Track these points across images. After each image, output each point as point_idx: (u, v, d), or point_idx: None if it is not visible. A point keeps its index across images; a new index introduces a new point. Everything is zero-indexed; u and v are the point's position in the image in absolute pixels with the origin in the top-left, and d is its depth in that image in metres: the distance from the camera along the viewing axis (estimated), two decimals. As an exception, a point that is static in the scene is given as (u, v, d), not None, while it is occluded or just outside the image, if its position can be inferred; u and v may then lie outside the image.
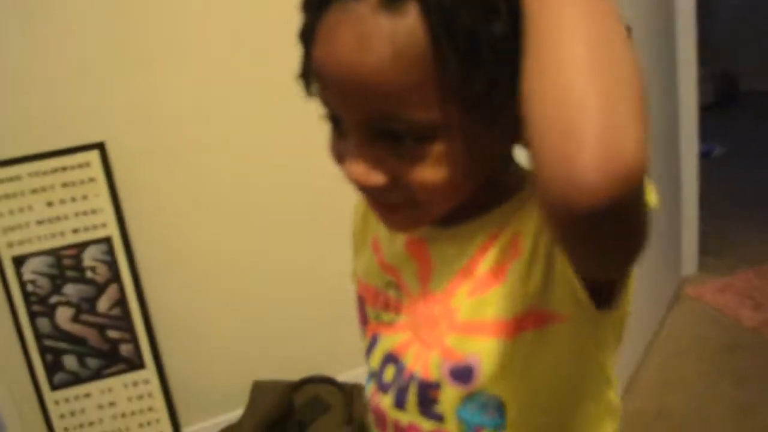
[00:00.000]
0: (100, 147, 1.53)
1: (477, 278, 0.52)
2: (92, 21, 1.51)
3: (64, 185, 1.52)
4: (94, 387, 1.61)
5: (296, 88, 0.53)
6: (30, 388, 1.59)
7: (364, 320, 0.64)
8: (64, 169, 1.52)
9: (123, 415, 1.64)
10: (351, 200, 0.65)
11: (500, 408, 0.52)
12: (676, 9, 2.06)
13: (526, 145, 0.38)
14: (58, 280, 1.55)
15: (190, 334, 1.74)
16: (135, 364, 1.63)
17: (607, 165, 0.33)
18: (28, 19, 1.47)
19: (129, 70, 1.56)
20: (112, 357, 1.61)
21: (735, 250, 2.45)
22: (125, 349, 1.61)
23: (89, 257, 1.56)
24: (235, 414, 1.74)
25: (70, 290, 1.56)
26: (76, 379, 1.60)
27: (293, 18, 0.52)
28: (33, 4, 1.47)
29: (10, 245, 1.52)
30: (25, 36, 1.47)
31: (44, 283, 1.55)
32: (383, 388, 0.58)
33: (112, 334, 1.60)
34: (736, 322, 2.01)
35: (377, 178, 0.48)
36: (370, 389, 0.61)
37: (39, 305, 1.55)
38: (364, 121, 0.47)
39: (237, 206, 1.72)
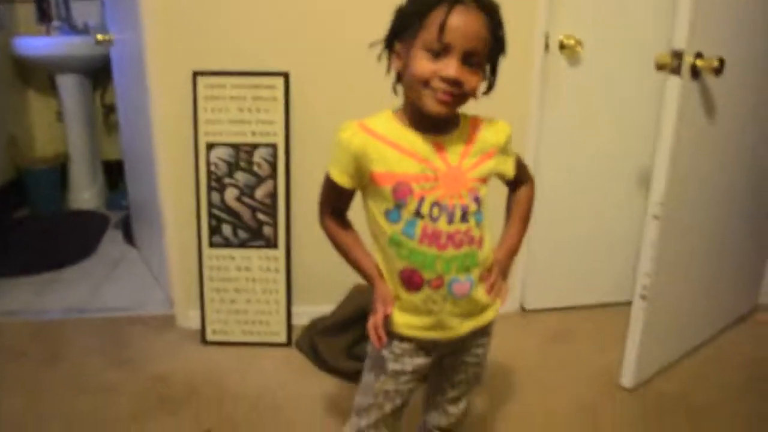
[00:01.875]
0: (285, 76, 2.01)
1: (473, 157, 1.12)
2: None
3: (254, 98, 2.01)
4: (238, 253, 2.10)
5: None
6: (194, 242, 2.11)
7: (407, 192, 1.07)
8: (256, 86, 2.00)
9: (254, 280, 2.12)
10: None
11: (481, 212, 1.13)
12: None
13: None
14: (232, 167, 2.05)
15: (318, 235, 2.13)
16: (271, 243, 2.10)
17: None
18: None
19: (315, 17, 2.01)
20: (257, 234, 2.09)
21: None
22: (267, 230, 2.09)
23: (258, 155, 2.04)
24: (330, 308, 2.16)
25: (239, 176, 2.06)
26: (227, 244, 2.10)
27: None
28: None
29: (206, 134, 2.03)
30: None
31: (223, 167, 2.05)
32: (434, 219, 1.09)
33: (261, 216, 2.08)
34: (790, 352, 2.17)
35: (464, 74, 1.03)
36: (419, 227, 1.09)
37: (216, 182, 2.06)
38: (464, 51, 1.02)
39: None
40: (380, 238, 1.14)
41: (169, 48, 2.00)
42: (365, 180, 1.10)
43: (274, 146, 2.04)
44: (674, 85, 1.65)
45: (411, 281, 1.12)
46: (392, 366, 1.20)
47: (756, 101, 2.00)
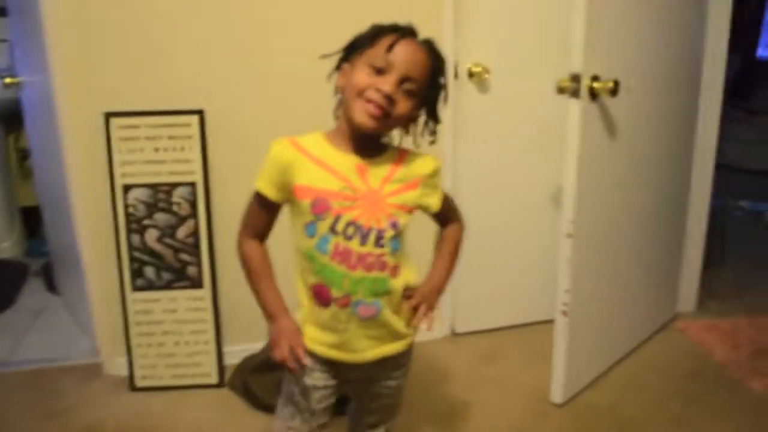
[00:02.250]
0: (200, 113, 2.00)
1: (395, 184, 1.16)
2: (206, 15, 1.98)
3: (170, 138, 1.99)
4: (163, 295, 2.06)
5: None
6: (117, 286, 2.07)
7: (325, 208, 1.12)
8: (171, 125, 1.98)
9: (181, 321, 2.08)
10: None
11: (399, 241, 1.17)
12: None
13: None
14: (152, 208, 2.01)
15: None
16: (196, 283, 2.07)
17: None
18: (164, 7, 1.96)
19: (230, 56, 2.02)
20: (181, 274, 2.06)
21: (741, 301, 2.69)
22: (191, 270, 2.06)
23: (177, 195, 2.02)
24: (262, 344, 2.13)
25: (160, 217, 2.03)
26: (151, 286, 2.06)
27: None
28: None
29: (123, 175, 2.00)
30: (156, 19, 1.96)
31: (141, 209, 2.02)
32: (348, 238, 1.12)
33: (184, 257, 2.05)
34: (707, 356, 2.27)
35: (394, 91, 1.09)
36: (331, 243, 1.13)
37: (135, 224, 2.02)
38: (403, 75, 1.09)
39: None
40: (299, 253, 1.18)
41: (79, 90, 1.97)
42: (288, 193, 1.15)
43: (193, 185, 2.02)
44: (575, 107, 1.73)
45: (320, 296, 1.17)
46: (305, 381, 1.24)
47: (654, 119, 2.11)
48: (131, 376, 2.11)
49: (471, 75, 2.16)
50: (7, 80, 2.52)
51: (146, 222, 2.02)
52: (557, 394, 1.98)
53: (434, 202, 1.23)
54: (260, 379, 1.99)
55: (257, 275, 1.22)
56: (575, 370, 1.99)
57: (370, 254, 1.13)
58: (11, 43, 3.05)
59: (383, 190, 1.14)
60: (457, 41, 2.12)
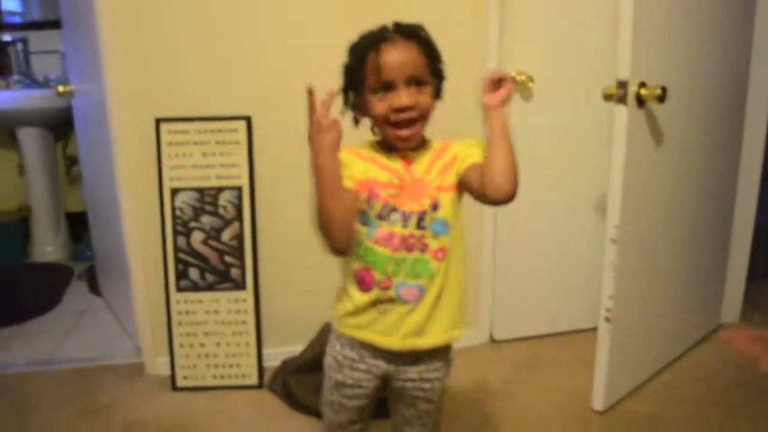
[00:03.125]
0: (248, 120, 2.04)
1: (437, 169, 1.19)
2: (261, 25, 2.03)
3: (217, 143, 2.04)
4: (206, 296, 2.10)
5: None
6: (161, 287, 2.11)
7: (374, 195, 1.17)
8: (219, 131, 2.03)
9: (223, 323, 2.12)
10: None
11: (446, 224, 1.19)
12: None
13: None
14: (198, 211, 2.06)
15: (286, 275, 2.19)
16: (239, 285, 2.10)
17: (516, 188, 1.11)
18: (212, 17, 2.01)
19: (277, 64, 2.06)
20: (224, 276, 2.10)
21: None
22: (234, 272, 2.10)
23: (223, 198, 2.06)
24: (301, 348, 2.14)
25: (205, 220, 2.07)
26: (195, 287, 2.10)
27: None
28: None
29: (171, 179, 2.05)
30: (206, 28, 2.02)
31: (188, 212, 2.06)
32: (391, 223, 1.17)
33: (228, 259, 2.09)
34: (752, 366, 2.23)
35: (413, 98, 1.13)
36: (377, 228, 1.17)
37: (181, 227, 2.07)
38: (406, 78, 1.12)
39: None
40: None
41: (131, 96, 2.02)
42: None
43: (239, 189, 2.06)
44: (621, 113, 1.73)
45: (363, 281, 1.20)
46: (335, 375, 1.27)
47: (701, 126, 2.09)
48: (173, 376, 2.14)
49: (515, 83, 2.17)
50: (61, 88, 2.61)
51: (192, 224, 2.07)
52: (598, 402, 1.96)
53: (474, 155, 1.17)
54: (300, 381, 2.01)
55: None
56: (617, 377, 1.97)
57: (411, 235, 1.17)
58: (63, 54, 3.17)
59: (427, 176, 1.18)
60: (501, 50, 2.14)
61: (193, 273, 2.09)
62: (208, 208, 2.06)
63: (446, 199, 1.19)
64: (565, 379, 2.17)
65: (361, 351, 1.24)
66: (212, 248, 2.08)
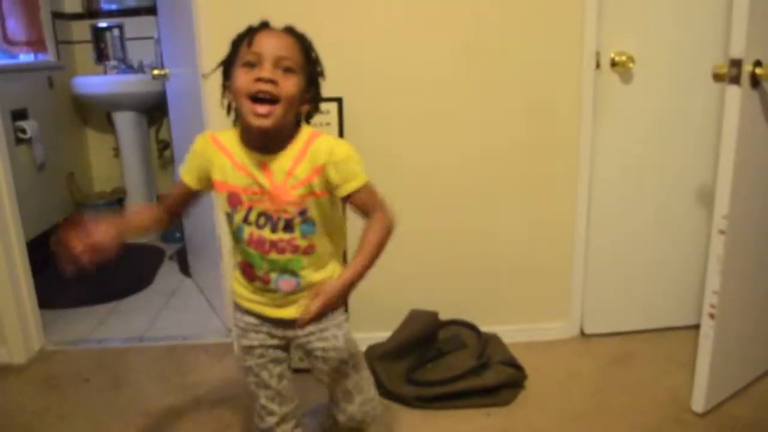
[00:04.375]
0: (339, 101, 2.03)
1: (301, 174, 1.19)
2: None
3: (312, 125, 2.03)
4: (295, 278, 2.12)
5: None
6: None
7: (238, 201, 1.22)
8: (311, 112, 2.04)
9: (311, 305, 2.13)
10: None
11: (314, 223, 1.24)
12: None
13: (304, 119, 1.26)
14: (288, 193, 2.08)
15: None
16: (328, 268, 2.11)
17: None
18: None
19: (369, 46, 2.05)
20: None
21: None
22: (323, 255, 2.10)
23: (313, 181, 2.07)
24: (387, 334, 2.14)
25: (295, 202, 2.08)
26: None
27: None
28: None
29: (262, 160, 2.07)
30: (298, 11, 2.02)
31: (278, 193, 2.08)
32: (260, 227, 1.22)
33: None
34: None
35: (275, 75, 1.14)
36: (246, 232, 1.23)
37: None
38: (275, 57, 1.15)
39: (434, 165, 2.16)
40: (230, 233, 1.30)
41: (225, 78, 2.05)
42: (209, 185, 1.27)
43: (328, 171, 2.05)
44: (734, 94, 1.61)
45: (246, 273, 1.30)
46: (243, 342, 1.37)
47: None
48: (260, 357, 2.17)
49: (614, 64, 2.08)
50: (155, 72, 2.68)
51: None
52: (699, 403, 1.86)
53: (343, 186, 1.21)
54: (386, 367, 2.00)
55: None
56: (719, 378, 1.86)
57: (281, 240, 1.23)
58: (158, 40, 3.26)
59: (287, 183, 1.19)
60: (600, 30, 2.05)
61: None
62: (298, 190, 2.06)
63: (313, 204, 1.22)
64: (660, 378, 2.07)
65: (257, 316, 1.34)
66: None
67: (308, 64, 1.22)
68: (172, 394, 2.04)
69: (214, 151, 1.24)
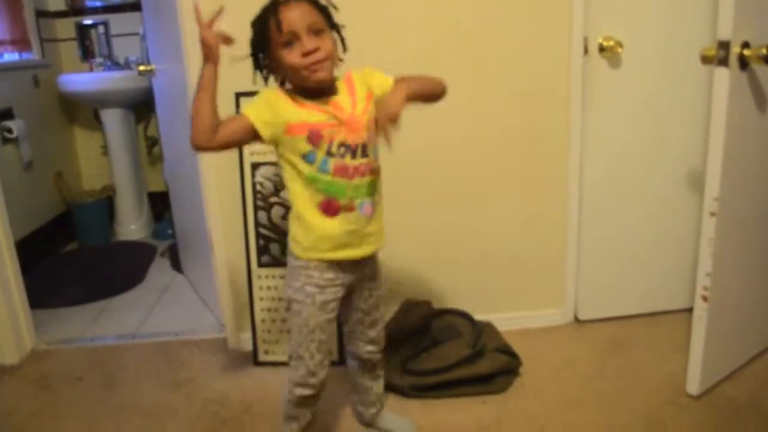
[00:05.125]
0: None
1: (360, 103, 1.39)
2: None
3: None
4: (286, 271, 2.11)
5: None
6: (243, 263, 2.12)
7: (319, 137, 1.34)
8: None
9: (304, 298, 2.12)
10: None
11: (376, 145, 1.41)
12: None
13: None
14: (278, 185, 2.06)
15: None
16: (320, 260, 2.10)
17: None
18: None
19: (359, 34, 2.03)
20: (305, 252, 2.10)
21: None
22: (315, 247, 2.10)
23: (303, 173, 2.06)
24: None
25: (285, 195, 2.05)
26: (276, 263, 2.10)
27: None
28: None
29: (251, 154, 2.05)
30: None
31: (268, 186, 2.06)
32: (342, 156, 1.36)
33: (308, 234, 2.09)
34: None
35: (316, 43, 1.31)
36: (330, 163, 1.35)
37: (262, 201, 2.07)
38: (306, 28, 1.30)
39: (425, 155, 2.14)
40: (297, 181, 1.39)
41: (211, 72, 2.03)
42: (280, 132, 1.35)
43: (318, 163, 2.04)
44: (722, 76, 1.61)
45: (329, 209, 1.38)
46: (319, 298, 1.44)
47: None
48: (254, 351, 2.16)
49: (602, 50, 2.07)
50: (141, 67, 2.66)
51: (273, 199, 2.07)
52: (693, 385, 1.87)
53: (386, 83, 1.42)
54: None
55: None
56: (714, 359, 1.86)
57: (361, 164, 1.38)
58: (143, 36, 3.23)
59: (355, 112, 1.38)
60: (587, 14, 2.04)
61: (274, 248, 2.09)
62: (288, 183, 2.05)
63: (373, 127, 1.35)
64: (655, 362, 2.07)
65: (335, 269, 1.44)
66: (292, 223, 2.07)
67: (328, 17, 1.37)
68: (167, 390, 2.03)
69: (285, 101, 1.36)
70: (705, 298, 1.77)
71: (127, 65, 3.57)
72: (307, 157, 1.36)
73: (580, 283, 2.31)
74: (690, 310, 1.90)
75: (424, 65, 2.05)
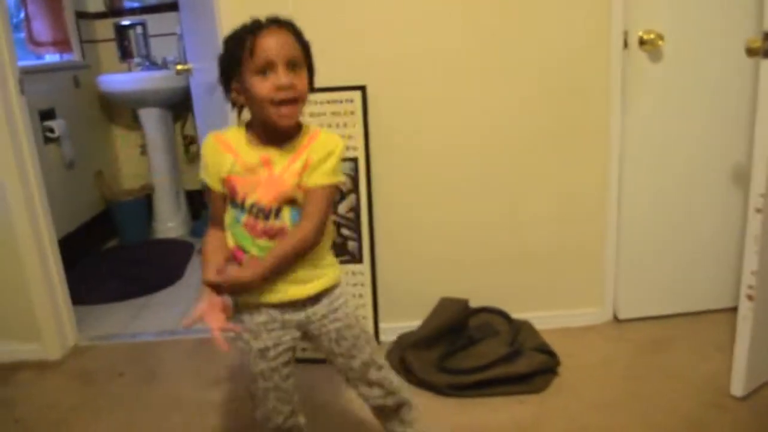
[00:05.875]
0: (363, 89, 2.02)
1: (296, 166, 1.23)
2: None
3: (333, 113, 2.03)
4: (324, 269, 2.11)
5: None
6: (280, 260, 2.14)
7: (235, 192, 1.26)
8: (335, 101, 2.02)
9: (340, 296, 2.12)
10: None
11: (300, 211, 1.25)
12: None
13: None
14: (314, 184, 2.07)
15: (402, 247, 2.17)
16: (356, 257, 2.09)
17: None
18: None
19: (391, 33, 2.03)
20: (341, 248, 2.09)
21: None
22: (351, 245, 2.09)
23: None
24: (417, 324, 2.13)
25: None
26: (313, 260, 2.11)
27: None
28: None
29: (287, 152, 2.06)
30: (321, 2, 2.01)
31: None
32: (255, 216, 1.25)
33: (345, 231, 2.09)
34: None
35: (291, 79, 1.19)
36: (243, 217, 1.26)
37: (298, 199, 2.08)
38: (286, 61, 1.19)
39: (461, 151, 2.13)
40: (227, 223, 1.32)
41: (248, 70, 2.04)
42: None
43: (354, 160, 2.04)
44: (769, 69, 1.57)
45: (236, 257, 1.30)
46: (254, 345, 1.34)
47: None
48: (291, 349, 2.17)
49: (642, 43, 2.03)
50: (179, 67, 2.69)
51: (308, 197, 2.07)
52: (738, 387, 1.82)
53: (308, 179, 1.24)
54: (418, 355, 1.99)
55: (205, 259, 1.33)
56: (759, 360, 1.81)
57: (272, 227, 1.26)
58: (180, 36, 3.27)
59: (284, 174, 1.24)
60: (627, 7, 2.00)
61: (309, 246, 2.09)
62: (325, 181, 2.05)
63: (302, 193, 1.25)
64: (697, 362, 2.03)
65: (265, 312, 1.32)
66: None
67: (305, 53, 1.26)
68: (206, 386, 2.05)
69: (220, 152, 1.27)
70: (750, 297, 1.73)
71: (164, 65, 3.61)
72: (231, 203, 1.30)
73: (619, 282, 2.27)
74: (734, 309, 1.86)
75: (462, 60, 2.06)
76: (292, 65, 1.20)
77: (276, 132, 1.24)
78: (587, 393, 1.90)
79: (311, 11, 1.99)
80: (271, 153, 1.25)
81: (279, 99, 1.19)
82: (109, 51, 3.72)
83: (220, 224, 1.34)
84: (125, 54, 3.69)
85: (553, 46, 2.06)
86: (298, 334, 1.37)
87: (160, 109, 3.52)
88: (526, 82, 2.09)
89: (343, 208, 2.07)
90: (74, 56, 3.50)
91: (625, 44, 2.04)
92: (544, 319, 2.19)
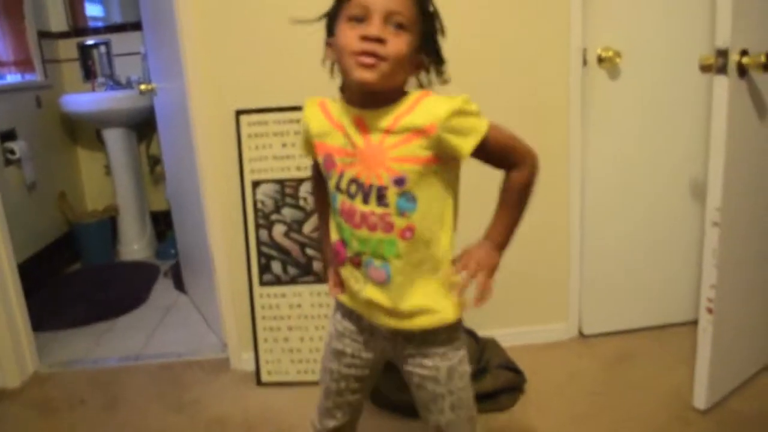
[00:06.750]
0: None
1: (398, 135, 1.02)
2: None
3: (296, 133, 2.02)
4: (289, 290, 2.09)
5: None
6: (245, 281, 2.11)
7: (332, 165, 1.09)
8: (298, 120, 2.01)
9: (306, 317, 2.10)
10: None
11: (414, 199, 1.04)
12: None
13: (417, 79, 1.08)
14: (279, 203, 2.05)
15: None
16: (321, 278, 2.08)
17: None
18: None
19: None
20: (306, 269, 2.08)
21: None
22: (317, 265, 2.08)
23: (304, 190, 2.04)
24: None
25: (286, 212, 2.06)
26: (278, 281, 2.09)
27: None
28: None
29: (252, 171, 2.05)
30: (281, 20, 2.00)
31: (269, 204, 2.06)
32: (351, 196, 1.07)
33: (310, 251, 2.07)
34: None
35: (384, 33, 0.98)
36: (338, 201, 1.09)
37: (263, 219, 2.07)
38: (386, 12, 0.98)
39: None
40: None
41: (211, 90, 2.03)
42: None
43: (318, 180, 2.04)
44: (721, 85, 1.60)
45: (338, 254, 1.14)
46: (334, 344, 1.23)
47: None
48: (257, 371, 2.15)
49: (600, 60, 2.07)
50: (143, 87, 2.67)
51: (274, 217, 2.06)
52: (700, 400, 1.84)
53: (462, 146, 1.03)
54: (386, 377, 1.96)
55: (320, 222, 1.27)
56: (721, 373, 1.84)
57: (372, 213, 1.05)
58: (144, 55, 3.24)
59: (384, 143, 1.02)
60: (586, 25, 2.04)
61: (276, 266, 2.08)
62: (289, 200, 2.05)
63: (413, 172, 1.03)
64: (661, 376, 2.05)
65: (355, 320, 1.19)
66: (294, 241, 2.07)
67: (424, 19, 1.04)
68: (170, 412, 2.02)
69: (316, 114, 1.12)
70: (710, 311, 1.75)
71: (128, 85, 3.58)
72: (328, 183, 1.12)
73: (583, 298, 2.29)
74: (695, 322, 1.88)
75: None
76: (394, 22, 0.99)
77: (366, 94, 1.03)
78: (554, 409, 1.90)
79: (273, 31, 2.00)
80: (363, 114, 1.05)
81: (360, 50, 0.98)
82: (72, 70, 3.67)
83: (322, 204, 1.20)
84: (89, 74, 3.65)
85: (512, 65, 2.08)
86: (378, 359, 1.23)
87: (124, 129, 3.48)
88: (486, 100, 2.08)
89: (307, 228, 2.06)
90: (36, 76, 3.45)
91: (584, 62, 2.07)
92: (509, 336, 2.20)
